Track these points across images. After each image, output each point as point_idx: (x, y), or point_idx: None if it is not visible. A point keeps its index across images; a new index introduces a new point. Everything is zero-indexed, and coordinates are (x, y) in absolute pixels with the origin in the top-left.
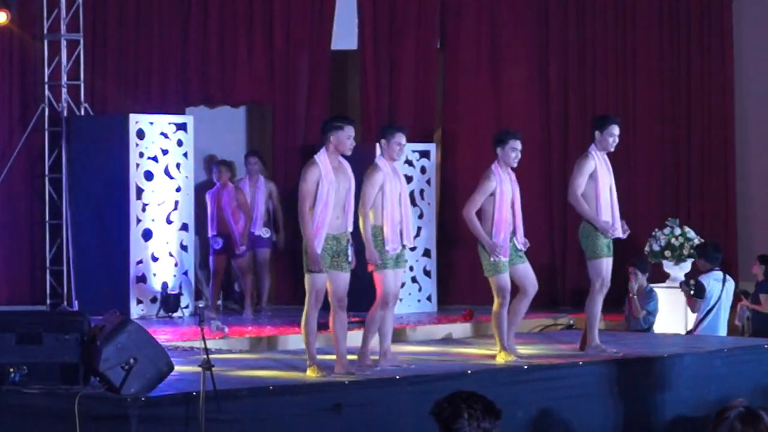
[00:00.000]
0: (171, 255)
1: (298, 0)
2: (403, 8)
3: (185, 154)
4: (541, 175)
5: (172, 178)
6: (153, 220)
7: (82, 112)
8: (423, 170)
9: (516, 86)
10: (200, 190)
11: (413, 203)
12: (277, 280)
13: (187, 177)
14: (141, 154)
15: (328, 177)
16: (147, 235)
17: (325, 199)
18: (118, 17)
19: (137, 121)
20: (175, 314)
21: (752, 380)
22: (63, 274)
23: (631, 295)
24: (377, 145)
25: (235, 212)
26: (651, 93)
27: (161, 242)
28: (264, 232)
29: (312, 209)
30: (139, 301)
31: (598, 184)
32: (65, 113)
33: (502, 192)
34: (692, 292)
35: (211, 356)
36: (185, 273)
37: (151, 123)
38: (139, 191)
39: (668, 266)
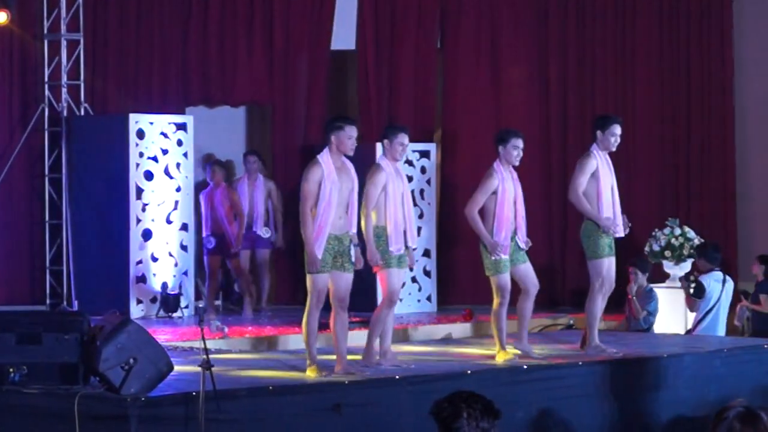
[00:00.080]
0: (171, 255)
1: (297, 0)
2: (403, 8)
3: (185, 154)
4: (540, 174)
5: (172, 178)
6: (153, 220)
7: (82, 112)
8: (423, 170)
9: (516, 86)
10: (199, 190)
11: (413, 203)
12: (277, 280)
13: (187, 177)
14: (141, 154)
15: (330, 177)
16: (147, 235)
17: (327, 198)
18: (118, 17)
19: (137, 121)
20: (174, 314)
21: (752, 380)
22: (63, 274)
23: (630, 296)
24: (378, 145)
25: (228, 212)
26: (651, 93)
27: (161, 242)
28: (264, 232)
29: (314, 209)
30: (139, 301)
31: (599, 183)
32: (65, 113)
33: (504, 190)
34: (691, 290)
35: (210, 356)
36: (185, 273)
37: (151, 123)
38: (139, 191)
39: (668, 266)
